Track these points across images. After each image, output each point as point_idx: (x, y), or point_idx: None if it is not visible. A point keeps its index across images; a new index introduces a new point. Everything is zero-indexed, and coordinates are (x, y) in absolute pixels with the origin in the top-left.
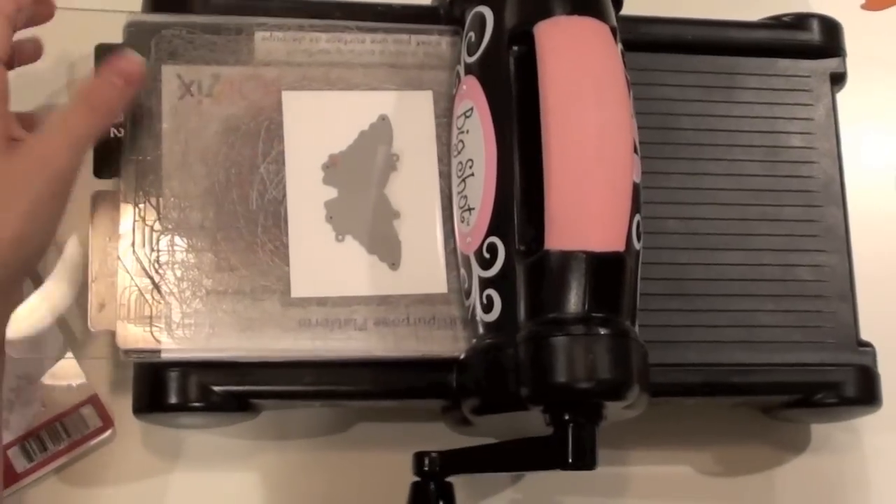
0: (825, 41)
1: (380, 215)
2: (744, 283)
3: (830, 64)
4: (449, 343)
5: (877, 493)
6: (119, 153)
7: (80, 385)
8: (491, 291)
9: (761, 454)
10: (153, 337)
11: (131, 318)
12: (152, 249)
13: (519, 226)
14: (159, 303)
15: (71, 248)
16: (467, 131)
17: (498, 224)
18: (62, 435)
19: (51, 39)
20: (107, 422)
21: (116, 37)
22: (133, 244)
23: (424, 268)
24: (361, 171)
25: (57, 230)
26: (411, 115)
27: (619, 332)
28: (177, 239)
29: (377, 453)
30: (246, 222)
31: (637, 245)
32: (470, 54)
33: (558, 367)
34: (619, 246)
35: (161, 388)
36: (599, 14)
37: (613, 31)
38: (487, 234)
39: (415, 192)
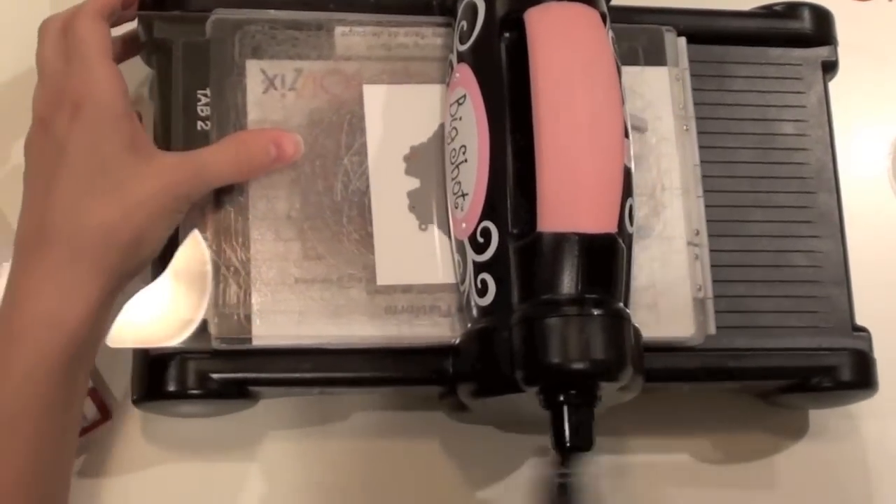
0: (816, 30)
1: None
2: (739, 269)
3: (822, 52)
4: None
5: (875, 479)
6: (206, 146)
7: None
8: (485, 275)
9: (760, 441)
10: (245, 325)
11: (223, 308)
12: (241, 239)
13: (512, 210)
14: (249, 292)
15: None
16: (460, 118)
17: (491, 208)
18: None
19: None
20: (105, 413)
21: None
22: (222, 234)
23: None
24: (441, 161)
25: (167, 237)
26: None
27: (613, 313)
28: (265, 229)
29: (376, 442)
30: (331, 212)
31: (629, 228)
32: (462, 42)
33: (552, 347)
34: (612, 227)
35: (160, 376)
36: (589, 0)
37: (603, 16)
38: (481, 219)
39: None
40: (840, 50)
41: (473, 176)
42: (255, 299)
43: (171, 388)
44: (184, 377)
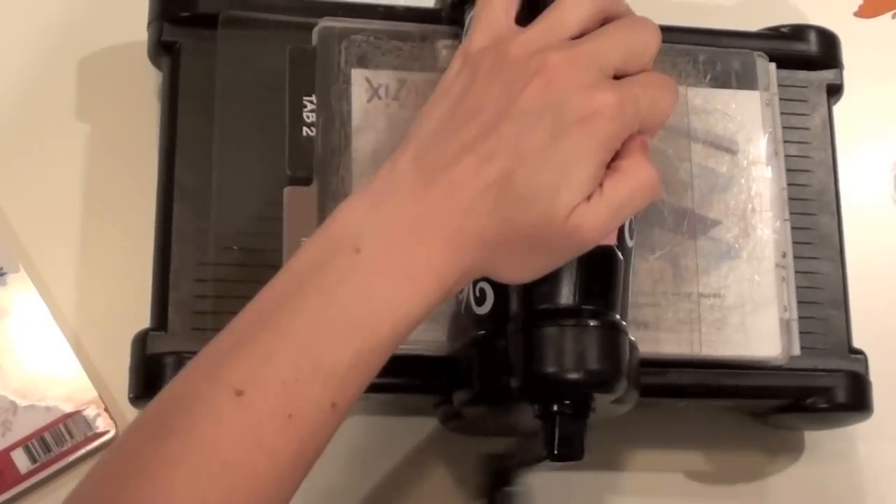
0: (823, 52)
1: None
2: None
3: (827, 75)
4: None
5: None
6: (312, 151)
7: (84, 388)
8: (483, 284)
9: (754, 460)
10: None
11: None
12: None
13: None
14: None
15: None
16: None
17: None
18: (66, 437)
19: None
20: (110, 424)
21: None
22: None
23: None
24: None
25: None
26: None
27: (610, 325)
28: None
29: (371, 447)
30: None
31: (629, 242)
32: None
33: (547, 357)
34: (611, 240)
35: (157, 375)
36: None
37: None
38: None
39: None
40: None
41: None
42: None
43: None
44: None
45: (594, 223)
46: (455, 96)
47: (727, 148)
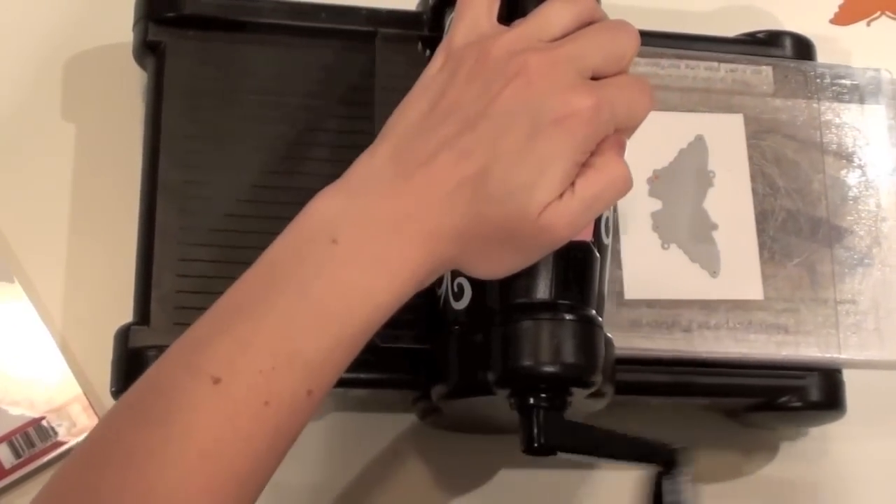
0: (798, 58)
1: (700, 226)
2: None
3: None
4: (762, 346)
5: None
6: None
7: (68, 384)
8: (461, 279)
9: (729, 460)
10: None
11: None
12: None
13: None
14: None
15: None
16: None
17: None
18: (50, 433)
19: None
20: (94, 419)
21: None
22: None
23: (742, 276)
24: (682, 185)
25: None
26: (724, 135)
27: (585, 319)
28: None
29: (350, 442)
30: None
31: (606, 239)
32: None
33: (524, 350)
34: (587, 236)
35: (139, 369)
36: None
37: None
38: None
39: (730, 206)
40: None
41: None
42: None
43: None
44: None
45: (566, 219)
46: (435, 92)
47: (857, 160)
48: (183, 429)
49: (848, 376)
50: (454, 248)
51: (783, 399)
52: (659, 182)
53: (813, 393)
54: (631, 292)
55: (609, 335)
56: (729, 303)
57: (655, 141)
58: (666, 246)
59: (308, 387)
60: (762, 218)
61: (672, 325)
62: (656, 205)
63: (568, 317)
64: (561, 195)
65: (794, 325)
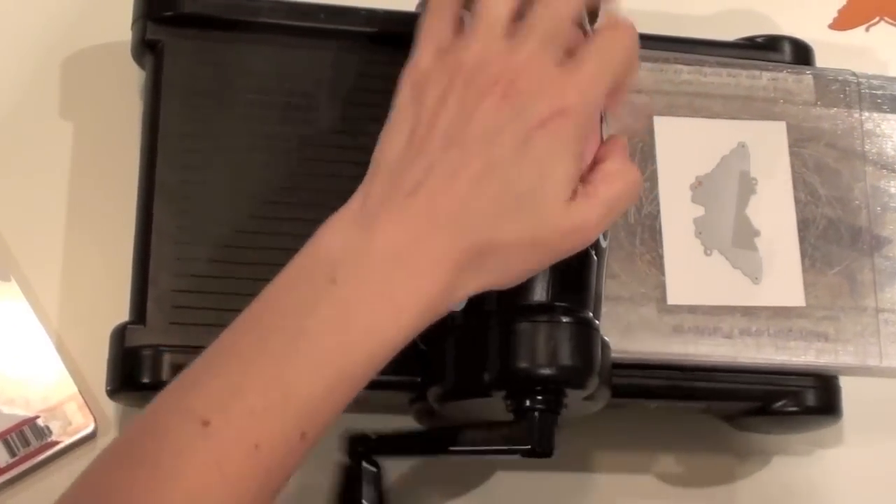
0: (796, 63)
1: (742, 233)
2: None
3: None
4: (802, 353)
5: None
6: None
7: (64, 383)
8: None
9: (724, 464)
10: None
11: None
12: None
13: None
14: None
15: None
16: None
17: None
18: (45, 431)
19: None
20: (89, 419)
21: None
22: None
23: (784, 283)
24: (724, 192)
25: None
26: (767, 143)
27: (582, 322)
28: None
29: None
30: (626, 234)
31: (603, 243)
32: None
33: (520, 352)
34: None
35: (134, 368)
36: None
37: (585, 34)
38: None
39: (772, 213)
40: None
41: None
42: None
43: (146, 379)
44: (158, 369)
45: (594, 220)
46: (412, 123)
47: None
48: (169, 472)
49: (844, 383)
50: (470, 270)
51: (779, 404)
52: (702, 188)
53: (809, 398)
54: (673, 298)
55: (606, 338)
56: (770, 310)
57: (698, 147)
58: (708, 252)
59: (302, 429)
60: (803, 226)
61: (714, 331)
62: (699, 211)
63: (565, 319)
64: (586, 196)
65: (833, 334)
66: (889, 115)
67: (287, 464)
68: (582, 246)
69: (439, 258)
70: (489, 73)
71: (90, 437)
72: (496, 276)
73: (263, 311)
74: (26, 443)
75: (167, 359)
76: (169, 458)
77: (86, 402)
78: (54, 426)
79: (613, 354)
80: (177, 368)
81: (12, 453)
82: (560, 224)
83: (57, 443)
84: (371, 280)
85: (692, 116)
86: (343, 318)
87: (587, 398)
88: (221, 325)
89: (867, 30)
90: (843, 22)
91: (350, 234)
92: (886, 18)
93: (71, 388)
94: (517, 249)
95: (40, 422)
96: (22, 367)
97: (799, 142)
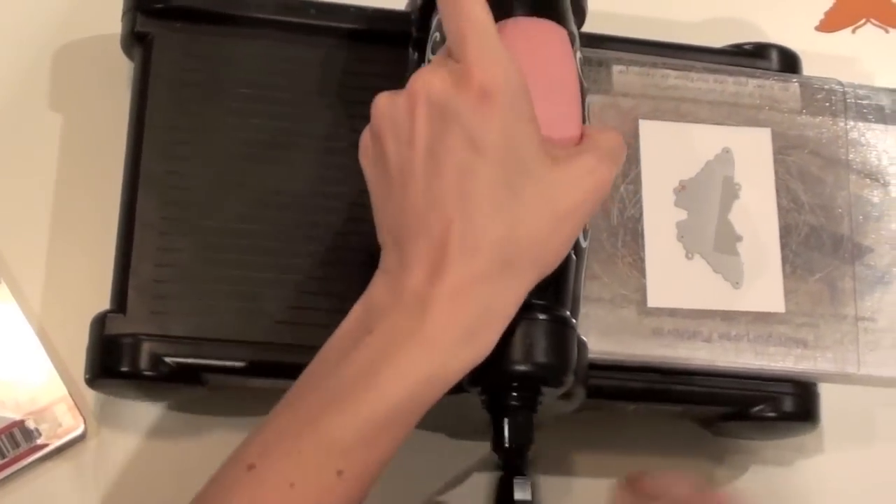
0: (783, 71)
1: (724, 238)
2: None
3: None
4: (781, 359)
5: None
6: None
7: (53, 385)
8: None
9: (701, 469)
10: None
11: None
12: None
13: None
14: None
15: None
16: None
17: None
18: (34, 434)
19: None
20: (79, 421)
21: None
22: None
23: (764, 289)
24: (708, 196)
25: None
26: (752, 149)
27: (559, 320)
28: None
29: None
30: (608, 236)
31: (583, 243)
32: (434, 53)
33: (497, 348)
34: None
35: (114, 356)
36: (558, 18)
37: (571, 36)
38: None
39: (755, 218)
40: None
41: None
42: None
43: (125, 367)
44: (137, 358)
45: (593, 162)
46: (379, 176)
47: (880, 179)
48: None
49: (824, 391)
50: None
51: (757, 409)
52: (685, 192)
53: (787, 404)
54: (654, 300)
55: (583, 338)
56: (750, 315)
57: (683, 152)
58: (690, 256)
59: (338, 467)
60: (785, 232)
61: (693, 335)
62: (682, 215)
63: (541, 317)
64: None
65: (813, 340)
66: (874, 125)
67: (324, 500)
68: (602, 191)
69: (461, 287)
70: (406, 93)
71: (80, 439)
72: (541, 266)
73: (315, 363)
74: (15, 445)
75: (146, 347)
76: (214, 498)
77: (75, 403)
78: (44, 428)
79: (592, 355)
80: (156, 357)
81: (1, 455)
82: (561, 176)
83: (46, 445)
84: (399, 321)
85: (678, 121)
86: (370, 360)
87: (563, 396)
88: (201, 315)
89: (853, 31)
90: (829, 24)
91: (381, 290)
92: (872, 20)
93: (60, 389)
94: (539, 231)
95: (29, 424)
96: (10, 368)
97: (784, 149)
